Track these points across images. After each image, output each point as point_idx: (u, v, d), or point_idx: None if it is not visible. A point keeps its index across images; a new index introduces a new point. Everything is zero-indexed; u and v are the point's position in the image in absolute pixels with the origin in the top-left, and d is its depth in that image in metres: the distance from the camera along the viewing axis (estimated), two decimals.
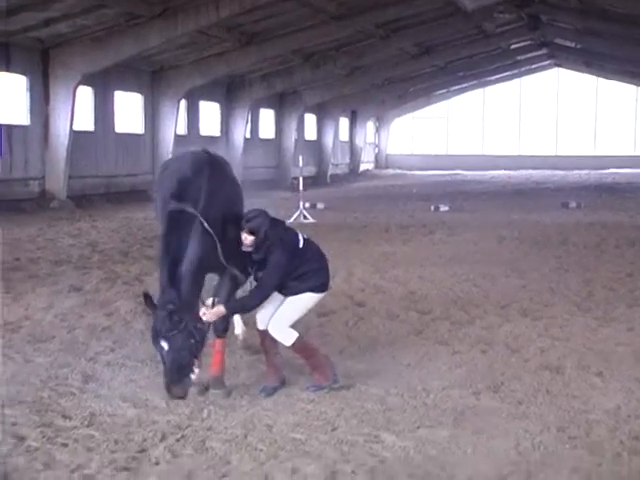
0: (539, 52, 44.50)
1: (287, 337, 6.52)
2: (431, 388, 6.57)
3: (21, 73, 21.50)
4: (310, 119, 41.02)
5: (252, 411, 6.06)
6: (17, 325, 8.65)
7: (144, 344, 7.58)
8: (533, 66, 48.93)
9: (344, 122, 45.83)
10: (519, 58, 44.85)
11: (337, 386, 6.54)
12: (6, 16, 18.64)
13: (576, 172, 44.85)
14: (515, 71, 48.86)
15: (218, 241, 6.24)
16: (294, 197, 23.72)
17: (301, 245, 6.59)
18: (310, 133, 41.18)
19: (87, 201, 23.20)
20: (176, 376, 6.03)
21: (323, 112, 41.05)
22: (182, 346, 6.00)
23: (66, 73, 21.75)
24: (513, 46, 41.41)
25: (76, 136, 22.42)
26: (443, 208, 23.52)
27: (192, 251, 6.14)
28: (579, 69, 48.53)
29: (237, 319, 7.81)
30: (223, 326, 6.62)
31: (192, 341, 6.06)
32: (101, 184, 24.45)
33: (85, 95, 23.85)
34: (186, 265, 6.11)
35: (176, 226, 6.25)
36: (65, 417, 5.88)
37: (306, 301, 6.63)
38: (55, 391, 6.48)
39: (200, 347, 6.17)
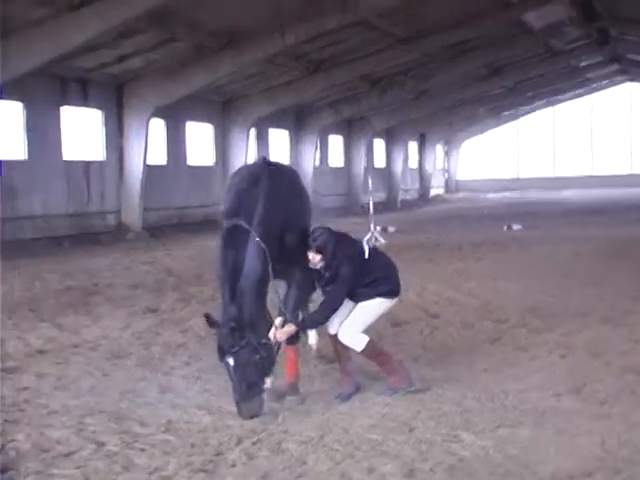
0: (610, 68, 43.78)
1: (357, 342, 6.49)
2: (509, 391, 6.44)
3: (97, 108, 22.04)
4: (379, 144, 41.07)
5: (327, 415, 6.04)
6: (96, 344, 8.78)
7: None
8: (604, 82, 48.11)
9: (413, 146, 45.75)
10: (589, 75, 44.18)
11: (413, 389, 6.48)
12: (84, 54, 19.25)
13: None
14: (586, 88, 48.10)
15: (270, 256, 6.12)
16: (365, 221, 23.71)
17: (367, 256, 6.57)
18: (379, 159, 41.20)
19: (161, 232, 23.55)
20: (245, 393, 5.98)
21: (392, 137, 41.07)
22: (247, 362, 5.95)
23: (139, 106, 22.21)
24: (583, 63, 40.83)
25: (149, 169, 22.85)
26: (516, 227, 23.21)
27: (249, 267, 6.09)
28: None
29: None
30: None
31: (257, 357, 6.01)
32: (174, 215, 24.81)
33: (158, 127, 24.31)
34: (243, 281, 6.07)
35: (232, 242, 6.21)
36: (143, 424, 5.92)
37: (376, 307, 6.60)
38: (133, 402, 6.55)
39: (269, 363, 6.11)
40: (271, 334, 6.19)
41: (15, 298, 11.60)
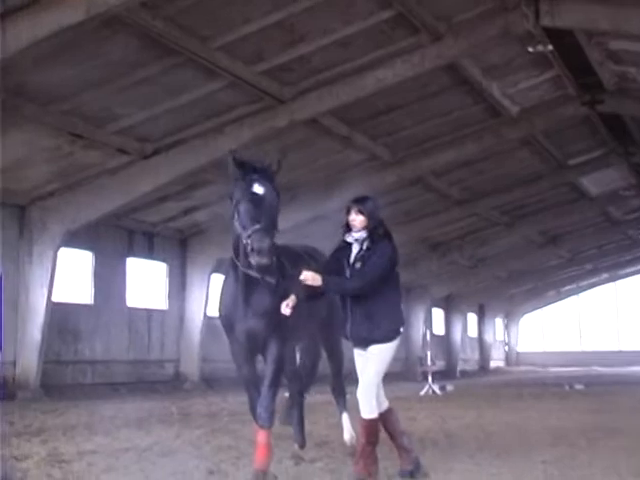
0: None
1: (371, 408, 6.20)
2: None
3: (162, 260, 22.69)
4: (438, 313, 41.03)
5: None
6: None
7: None
8: None
9: (472, 317, 45.59)
10: None
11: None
12: (149, 207, 20.11)
13: None
14: None
15: None
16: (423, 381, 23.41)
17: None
18: (438, 328, 41.05)
19: (217, 383, 23.50)
20: None
21: (450, 306, 41.05)
22: None
23: (202, 260, 22.80)
24: None
25: (209, 321, 23.14)
26: (578, 386, 22.62)
27: None
28: None
29: (346, 423, 7.69)
30: (268, 415, 6.23)
31: None
32: (231, 368, 24.74)
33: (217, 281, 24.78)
34: None
35: None
36: None
37: (389, 352, 6.30)
38: None
39: None
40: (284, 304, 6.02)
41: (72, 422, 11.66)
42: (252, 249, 5.68)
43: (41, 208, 17.70)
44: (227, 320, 6.49)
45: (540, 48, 16.67)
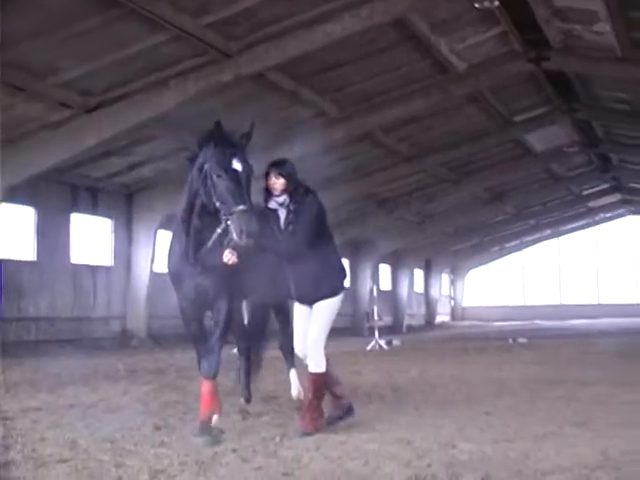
0: (613, 198, 44.26)
1: (319, 362, 6.39)
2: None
3: (107, 216, 22.45)
4: (385, 269, 41.35)
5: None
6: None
7: None
8: (608, 215, 48.65)
9: (418, 273, 46.05)
10: (592, 204, 44.68)
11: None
12: (94, 162, 19.83)
13: None
14: (589, 220, 48.64)
15: None
16: (370, 336, 23.67)
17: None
18: (385, 283, 41.40)
19: (165, 339, 23.46)
20: None
21: (397, 262, 41.36)
22: None
23: (148, 216, 22.59)
24: (585, 192, 41.37)
25: (155, 277, 23.01)
26: (521, 340, 23.08)
27: None
28: None
29: (294, 379, 7.79)
30: (212, 366, 6.34)
31: None
32: (179, 324, 24.68)
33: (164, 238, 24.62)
34: None
35: None
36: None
37: (334, 308, 6.49)
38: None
39: None
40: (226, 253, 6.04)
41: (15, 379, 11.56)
42: (241, 230, 5.71)
43: None
44: (176, 276, 6.50)
45: (487, 4, 16.74)
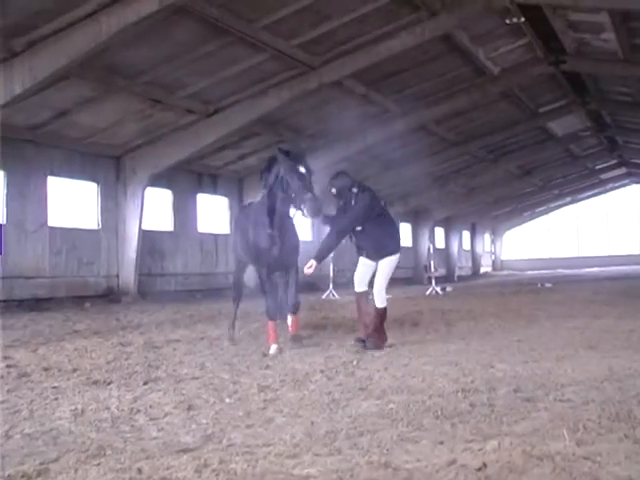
0: (619, 171, 42.73)
1: (381, 300, 6.80)
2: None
3: (224, 195, 22.75)
4: (439, 231, 40.86)
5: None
6: None
7: None
8: (616, 184, 46.98)
9: (466, 234, 45.36)
10: (603, 177, 43.20)
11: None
12: (213, 154, 20.08)
13: None
14: (601, 189, 47.06)
15: None
16: (428, 284, 23.47)
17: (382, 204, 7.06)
18: (440, 242, 40.94)
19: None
20: None
21: (449, 225, 40.82)
22: None
23: (254, 195, 22.59)
24: (598, 166, 40.06)
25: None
26: (547, 285, 22.59)
27: None
28: None
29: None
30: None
31: None
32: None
33: None
34: None
35: None
36: None
37: (391, 263, 6.85)
38: None
39: None
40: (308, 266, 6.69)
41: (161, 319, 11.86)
42: (311, 210, 6.39)
43: (131, 158, 17.81)
44: (257, 248, 7.17)
45: (515, 20, 16.31)
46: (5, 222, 14.69)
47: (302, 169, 6.60)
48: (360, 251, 6.93)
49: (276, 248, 6.90)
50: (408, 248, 36.07)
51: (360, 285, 6.85)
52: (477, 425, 3.61)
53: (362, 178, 26.37)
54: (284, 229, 6.89)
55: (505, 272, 48.82)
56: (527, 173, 35.38)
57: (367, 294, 6.92)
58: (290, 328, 7.34)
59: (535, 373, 5.14)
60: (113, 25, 11.56)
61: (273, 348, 6.89)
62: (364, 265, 6.90)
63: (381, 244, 6.76)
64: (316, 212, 6.34)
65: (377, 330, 6.75)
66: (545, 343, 6.87)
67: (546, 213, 50.62)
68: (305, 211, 6.41)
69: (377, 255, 6.76)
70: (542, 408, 3.92)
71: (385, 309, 6.75)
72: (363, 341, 6.70)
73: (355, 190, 6.73)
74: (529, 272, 45.74)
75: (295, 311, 7.30)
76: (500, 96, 22.64)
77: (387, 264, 6.79)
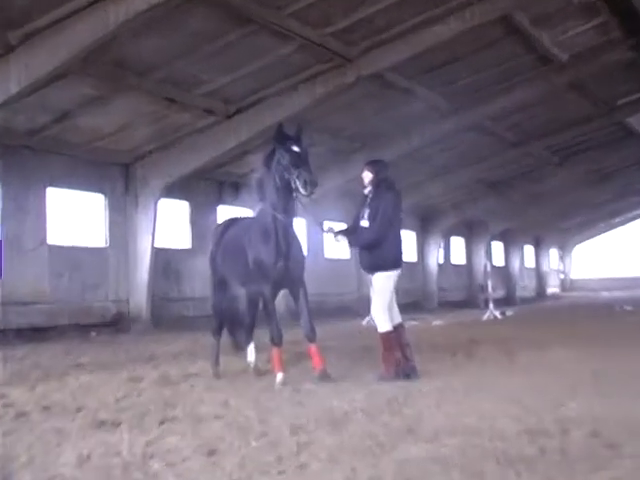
0: None
1: (383, 324, 7.10)
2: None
3: (249, 207, 22.82)
4: (497, 246, 40.58)
5: None
6: None
7: None
8: None
9: (528, 249, 45.01)
10: None
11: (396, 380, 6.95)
12: (236, 160, 20.25)
13: None
14: None
15: None
16: (485, 308, 23.27)
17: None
18: (498, 259, 40.65)
19: None
20: None
21: (508, 239, 40.53)
22: None
23: None
24: None
25: None
26: (627, 307, 22.26)
27: None
28: None
29: (251, 349, 8.24)
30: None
31: None
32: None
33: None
34: None
35: None
36: None
37: (389, 280, 7.16)
38: None
39: None
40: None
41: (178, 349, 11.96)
42: (305, 182, 6.77)
43: (142, 165, 18.08)
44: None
45: None
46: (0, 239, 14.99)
47: (295, 148, 7.05)
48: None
49: (281, 261, 7.15)
50: (461, 266, 35.91)
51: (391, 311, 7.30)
52: (547, 473, 3.57)
53: (407, 185, 26.80)
54: (288, 241, 7.18)
55: (576, 293, 48.28)
56: (601, 177, 34.96)
57: (401, 323, 7.32)
58: (314, 363, 7.34)
59: (616, 413, 5.05)
60: (121, 14, 11.72)
61: (279, 377, 7.14)
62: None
63: (375, 255, 7.11)
64: (312, 183, 6.71)
65: (383, 359, 7.03)
66: (627, 377, 6.76)
67: (624, 224, 49.93)
68: (300, 183, 6.74)
69: (369, 266, 7.20)
70: (626, 455, 3.85)
71: (388, 333, 7.02)
72: (408, 375, 6.88)
73: (383, 186, 7.14)
74: (604, 293, 45.10)
75: (313, 339, 7.30)
76: (568, 87, 22.43)
77: (384, 280, 7.12)
